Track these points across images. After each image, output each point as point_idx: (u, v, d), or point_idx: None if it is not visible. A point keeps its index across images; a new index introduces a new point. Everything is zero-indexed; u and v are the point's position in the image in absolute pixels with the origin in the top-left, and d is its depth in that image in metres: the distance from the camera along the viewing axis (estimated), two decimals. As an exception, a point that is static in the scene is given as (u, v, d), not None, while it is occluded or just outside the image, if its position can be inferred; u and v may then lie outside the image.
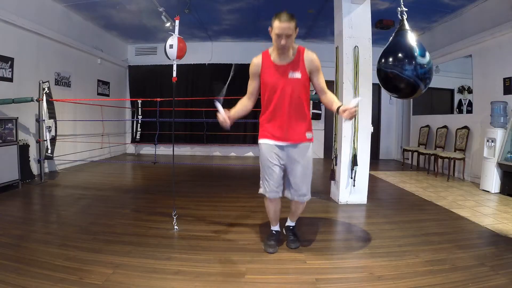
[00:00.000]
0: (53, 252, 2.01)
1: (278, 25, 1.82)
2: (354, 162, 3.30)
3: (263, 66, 1.99)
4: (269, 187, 2.04)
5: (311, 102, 7.08)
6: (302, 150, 2.01)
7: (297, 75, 1.94)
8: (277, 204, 2.14)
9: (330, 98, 2.03)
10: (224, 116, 1.86)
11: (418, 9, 4.88)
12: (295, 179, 2.03)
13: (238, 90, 6.01)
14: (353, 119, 3.25)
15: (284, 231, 2.34)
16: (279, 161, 2.01)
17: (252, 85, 2.07)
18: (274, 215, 2.19)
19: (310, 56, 1.98)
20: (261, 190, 2.09)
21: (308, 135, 2.03)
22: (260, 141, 2.06)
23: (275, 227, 2.25)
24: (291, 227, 2.30)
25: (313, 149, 2.08)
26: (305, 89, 1.99)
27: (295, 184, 2.04)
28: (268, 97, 1.99)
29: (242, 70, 4.60)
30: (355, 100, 1.81)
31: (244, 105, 2.08)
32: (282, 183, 2.07)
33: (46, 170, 4.72)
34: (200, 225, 2.60)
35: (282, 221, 2.36)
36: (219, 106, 1.85)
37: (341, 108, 1.87)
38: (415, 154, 6.01)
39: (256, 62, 2.02)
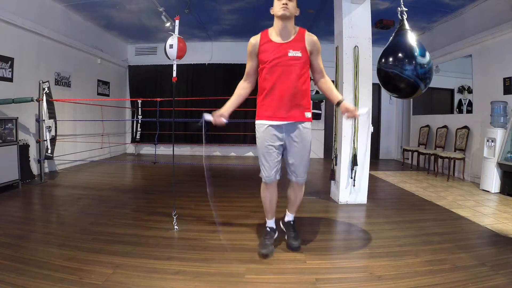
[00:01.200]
0: (53, 252, 2.01)
1: None
2: (354, 162, 3.30)
3: (261, 45, 1.94)
4: (266, 170, 2.00)
5: (311, 102, 7.08)
6: (300, 129, 1.97)
7: (298, 53, 1.89)
8: (273, 191, 2.09)
9: (329, 85, 2.02)
10: (215, 118, 1.88)
11: (418, 9, 4.88)
12: (293, 159, 2.01)
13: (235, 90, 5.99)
14: (354, 119, 3.27)
15: (283, 227, 2.27)
16: (276, 142, 1.97)
17: (249, 65, 2.02)
18: (270, 205, 2.13)
19: (311, 37, 1.95)
20: (260, 174, 2.06)
21: (307, 114, 1.98)
22: (257, 122, 2.01)
23: (270, 222, 2.18)
24: (291, 222, 2.23)
25: (311, 128, 2.02)
26: (305, 68, 1.94)
27: (293, 164, 2.02)
28: (265, 75, 1.93)
29: (241, 70, 4.59)
30: (364, 109, 1.85)
31: (240, 89, 2.05)
32: (279, 167, 2.02)
33: (46, 170, 4.72)
34: (200, 225, 2.60)
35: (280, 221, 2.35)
36: (207, 118, 1.90)
37: (344, 106, 1.87)
38: (415, 154, 6.01)
39: (253, 41, 1.97)
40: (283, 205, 2.35)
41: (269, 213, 2.17)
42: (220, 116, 1.93)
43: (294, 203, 2.20)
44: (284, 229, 2.28)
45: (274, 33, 1.94)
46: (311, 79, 2.04)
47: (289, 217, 2.26)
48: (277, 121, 1.94)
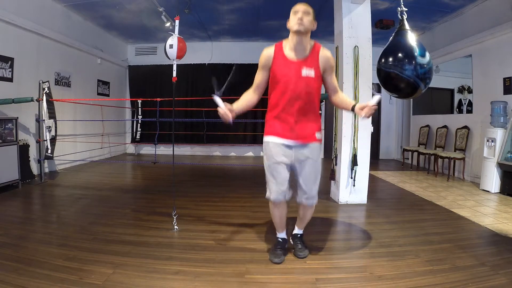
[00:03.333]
0: (53, 252, 2.01)
1: (297, 5, 1.79)
2: (354, 162, 3.29)
3: (275, 58, 1.86)
4: (273, 188, 1.91)
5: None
6: (311, 150, 1.90)
7: (311, 73, 1.83)
8: (282, 209, 2.01)
9: (342, 98, 1.97)
10: (225, 109, 1.70)
11: (418, 9, 4.88)
12: (303, 180, 1.93)
13: (238, 90, 6.01)
14: (354, 119, 3.28)
15: (291, 240, 2.22)
16: (285, 160, 1.88)
17: (259, 77, 1.93)
18: (280, 221, 2.06)
19: (325, 54, 1.89)
20: (267, 194, 1.96)
21: (318, 135, 1.94)
22: (266, 138, 1.93)
23: (281, 234, 2.11)
24: (298, 235, 2.18)
25: (321, 149, 2.00)
26: (317, 87, 1.89)
27: (303, 186, 1.94)
28: (278, 93, 1.86)
29: (241, 70, 4.60)
30: (376, 97, 1.75)
31: (248, 98, 1.95)
32: (288, 186, 1.94)
33: (46, 170, 4.73)
34: (200, 225, 2.60)
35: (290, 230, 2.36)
36: (218, 100, 1.70)
37: (357, 106, 1.81)
38: (415, 154, 6.02)
39: (267, 53, 1.88)
40: (292, 212, 2.33)
41: (279, 228, 2.11)
42: (230, 110, 1.73)
43: (303, 220, 2.15)
44: (291, 242, 2.22)
45: (288, 47, 1.87)
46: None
47: (297, 231, 2.21)
48: (287, 139, 1.88)
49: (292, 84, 1.82)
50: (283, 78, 1.83)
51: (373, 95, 1.86)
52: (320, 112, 1.98)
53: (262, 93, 1.99)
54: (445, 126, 5.42)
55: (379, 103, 1.85)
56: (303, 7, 1.79)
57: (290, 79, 1.82)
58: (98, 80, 6.44)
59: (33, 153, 4.34)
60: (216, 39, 7.23)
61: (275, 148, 1.89)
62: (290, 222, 2.25)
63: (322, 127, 7.02)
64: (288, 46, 1.87)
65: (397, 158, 7.32)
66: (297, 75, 1.82)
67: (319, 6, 5.02)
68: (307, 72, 1.83)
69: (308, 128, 1.89)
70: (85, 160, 5.66)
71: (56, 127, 4.44)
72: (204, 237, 2.33)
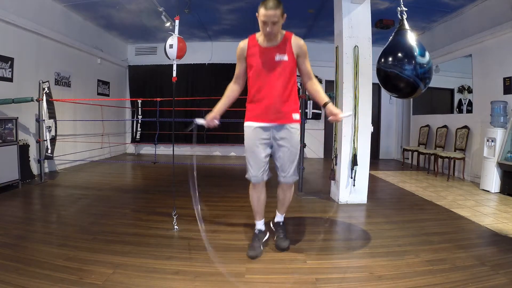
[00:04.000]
0: (53, 252, 2.01)
1: (264, 12, 1.82)
2: (354, 162, 3.29)
3: (249, 49, 1.99)
4: (252, 170, 2.03)
5: (312, 102, 7.08)
6: (288, 130, 2.00)
7: (284, 57, 1.94)
8: (261, 191, 2.10)
9: (316, 87, 2.03)
10: (208, 121, 1.95)
11: (418, 9, 4.88)
12: (281, 160, 2.04)
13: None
14: (354, 119, 3.28)
15: (273, 228, 2.27)
16: (263, 142, 2.00)
17: (238, 68, 2.07)
18: (258, 204, 2.13)
19: (297, 41, 1.98)
20: (247, 175, 2.09)
21: (295, 116, 2.02)
22: (245, 123, 2.06)
23: (259, 224, 2.17)
24: (280, 223, 2.24)
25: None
26: (291, 71, 1.98)
27: (281, 165, 2.05)
28: (253, 79, 1.98)
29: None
30: (347, 113, 1.92)
31: (230, 91, 2.10)
32: (266, 167, 2.05)
33: (46, 170, 4.72)
34: (200, 225, 2.60)
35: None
36: (199, 122, 1.97)
37: (329, 108, 1.91)
38: (415, 153, 6.02)
39: (242, 45, 2.02)
40: (274, 205, 2.35)
41: (257, 214, 2.17)
42: (213, 118, 1.99)
43: (283, 203, 2.22)
44: (273, 229, 2.27)
45: (261, 38, 1.98)
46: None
47: (278, 217, 2.28)
48: (265, 123, 1.98)
49: (266, 69, 1.94)
50: (257, 64, 1.97)
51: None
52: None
53: (243, 84, 2.11)
54: (445, 126, 5.42)
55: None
56: (271, 18, 1.80)
57: (264, 64, 1.94)
58: (98, 80, 6.44)
59: (33, 153, 4.34)
60: (216, 39, 7.23)
61: (253, 132, 2.01)
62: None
63: (322, 127, 6.99)
64: (261, 37, 1.98)
65: (397, 158, 7.32)
66: (271, 60, 1.94)
67: (319, 6, 5.02)
68: (280, 57, 1.94)
69: (285, 110, 1.98)
70: (85, 160, 5.66)
71: (56, 127, 4.44)
72: (204, 237, 2.32)
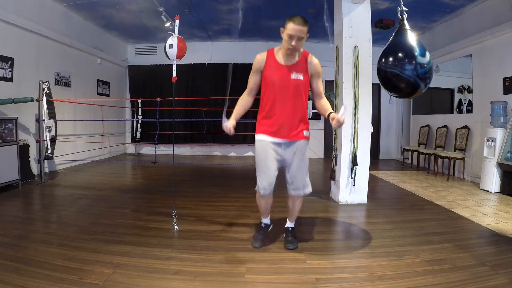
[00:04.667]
0: (53, 252, 2.01)
1: (293, 27, 1.86)
2: (354, 162, 3.29)
3: (267, 63, 2.02)
4: (261, 183, 2.07)
5: (312, 102, 7.08)
6: (298, 147, 2.05)
7: (300, 76, 1.99)
8: (268, 199, 2.18)
9: (324, 105, 2.08)
10: (229, 127, 1.96)
11: (418, 9, 4.88)
12: (292, 175, 2.09)
13: (237, 90, 6.01)
14: (354, 119, 3.28)
15: (283, 234, 2.31)
16: (274, 157, 2.04)
17: (252, 80, 2.09)
18: (265, 208, 2.24)
19: (314, 61, 2.04)
20: (256, 187, 2.13)
21: (306, 133, 2.09)
22: (257, 136, 2.09)
23: (265, 220, 2.30)
24: (290, 229, 2.28)
25: (309, 146, 2.17)
26: (305, 90, 2.04)
27: (292, 180, 2.10)
28: (268, 95, 2.02)
29: (241, 70, 4.61)
30: (341, 111, 1.86)
31: (244, 101, 2.12)
32: (274, 181, 2.09)
33: (46, 170, 4.72)
34: (200, 225, 2.60)
35: (282, 222, 2.36)
36: (225, 121, 1.96)
37: (331, 115, 1.95)
38: (415, 153, 6.02)
39: (260, 58, 2.04)
40: (285, 206, 2.36)
41: (263, 214, 2.29)
42: (233, 126, 2.00)
43: (293, 213, 2.27)
44: (283, 235, 2.31)
45: (280, 54, 2.02)
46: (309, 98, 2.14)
47: (288, 224, 2.32)
48: (277, 138, 2.02)
49: (282, 87, 1.98)
50: (274, 80, 2.00)
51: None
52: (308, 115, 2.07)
53: (255, 95, 2.14)
54: (445, 126, 5.42)
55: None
56: (298, 33, 1.86)
57: (281, 81, 1.98)
58: (98, 80, 6.44)
59: (33, 153, 4.34)
60: (216, 39, 7.23)
61: (265, 146, 2.04)
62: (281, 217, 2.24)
63: (322, 127, 7.01)
64: (279, 53, 2.02)
65: (397, 158, 7.32)
66: (287, 78, 1.98)
67: (319, 6, 5.02)
68: (296, 76, 1.98)
69: (297, 127, 2.04)
70: (85, 160, 5.66)
71: (56, 127, 4.44)
72: (204, 237, 2.33)
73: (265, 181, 2.06)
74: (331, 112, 1.99)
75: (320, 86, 2.10)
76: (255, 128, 2.13)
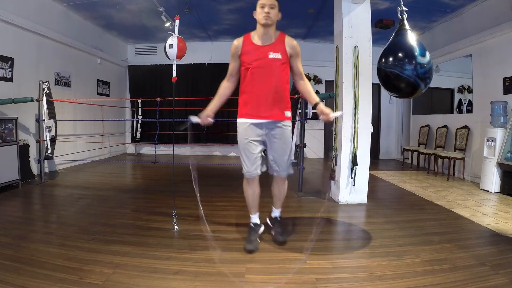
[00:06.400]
0: (53, 252, 2.01)
1: None
2: (354, 162, 3.29)
3: (244, 46, 2.03)
4: (246, 166, 2.08)
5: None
6: (280, 127, 2.06)
7: (278, 55, 1.99)
8: (255, 186, 2.17)
9: (307, 88, 2.10)
10: (202, 119, 1.98)
11: (418, 9, 4.88)
12: (274, 154, 2.10)
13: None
14: (354, 119, 3.28)
15: (269, 223, 2.32)
16: (257, 138, 2.05)
17: (231, 66, 2.11)
18: (252, 199, 2.20)
19: (291, 41, 2.04)
20: (243, 170, 2.14)
21: (287, 113, 2.07)
22: (238, 120, 2.10)
23: (254, 218, 2.26)
24: (278, 218, 2.29)
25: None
26: (284, 69, 2.03)
27: (275, 160, 2.11)
28: (247, 76, 2.02)
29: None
30: (338, 113, 1.95)
31: (223, 89, 2.13)
32: (260, 162, 2.10)
33: (46, 170, 4.72)
34: (200, 225, 2.59)
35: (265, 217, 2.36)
36: (193, 120, 2.00)
37: (320, 108, 1.96)
38: (415, 153, 6.01)
39: (236, 43, 2.05)
40: (269, 204, 2.36)
41: (252, 208, 2.25)
42: (207, 116, 2.04)
43: (279, 198, 2.27)
44: (270, 225, 2.33)
45: (256, 37, 2.04)
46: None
47: (275, 212, 2.32)
48: (257, 119, 2.03)
49: (260, 67, 1.98)
50: (251, 62, 2.00)
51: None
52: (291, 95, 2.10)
53: (236, 81, 2.15)
54: (445, 126, 5.42)
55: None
56: (269, 1, 1.94)
57: (258, 62, 1.98)
58: (98, 80, 6.43)
59: (33, 153, 4.34)
60: (216, 39, 7.23)
61: (246, 129, 2.05)
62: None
63: (322, 127, 7.00)
64: (255, 36, 2.04)
65: (397, 158, 7.32)
66: (265, 57, 1.98)
67: (319, 6, 5.02)
68: (274, 55, 1.98)
69: (278, 107, 2.03)
70: (85, 160, 5.66)
71: (56, 127, 4.44)
72: (204, 237, 2.33)
73: (248, 162, 2.07)
74: (319, 103, 2.00)
75: (300, 66, 2.09)
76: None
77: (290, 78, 2.11)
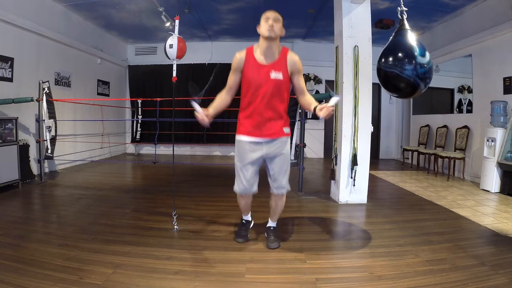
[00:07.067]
0: (53, 252, 2.01)
1: (268, 12, 1.94)
2: (354, 161, 3.29)
3: (246, 62, 2.00)
4: (241, 184, 2.08)
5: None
6: (279, 144, 2.04)
7: (279, 76, 1.97)
8: (248, 199, 2.22)
9: (308, 100, 2.06)
10: (202, 114, 1.90)
11: (418, 9, 4.88)
12: (273, 172, 2.09)
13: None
14: (354, 119, 3.28)
15: (265, 233, 2.31)
16: (255, 156, 2.03)
17: (232, 79, 2.07)
18: (245, 206, 2.27)
19: (293, 57, 2.01)
20: (234, 187, 2.14)
21: (286, 130, 2.07)
22: (237, 137, 2.08)
23: (246, 217, 2.35)
24: (271, 228, 2.28)
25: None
26: (286, 89, 2.02)
27: (273, 177, 2.10)
28: (248, 94, 2.00)
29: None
30: (334, 98, 1.81)
31: (222, 99, 2.09)
32: (255, 181, 2.10)
33: (46, 170, 4.73)
34: (200, 225, 2.60)
35: (280, 221, 2.36)
36: (196, 105, 1.87)
37: (318, 107, 1.89)
38: (415, 153, 6.01)
39: (239, 57, 2.02)
40: (263, 205, 2.36)
41: (244, 211, 2.33)
42: (207, 116, 1.94)
43: (275, 212, 2.26)
44: (265, 235, 2.31)
45: (258, 52, 2.00)
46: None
47: (270, 223, 2.32)
48: (257, 137, 2.02)
49: (262, 86, 1.96)
50: (253, 80, 1.97)
51: (330, 96, 1.98)
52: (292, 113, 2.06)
53: (234, 94, 2.12)
54: (445, 126, 5.42)
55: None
56: (273, 14, 1.93)
57: (260, 81, 1.96)
58: (98, 80, 6.44)
59: (33, 153, 4.34)
60: (216, 39, 7.23)
61: (245, 146, 2.04)
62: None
63: (322, 127, 7.01)
64: (258, 51, 2.00)
65: (397, 158, 7.32)
66: (267, 77, 1.96)
67: (319, 6, 5.02)
68: (276, 75, 1.96)
69: (277, 125, 2.03)
70: (85, 160, 5.66)
71: (56, 127, 4.44)
72: (204, 237, 2.33)
73: (244, 181, 2.07)
74: (317, 105, 1.94)
75: (301, 83, 2.06)
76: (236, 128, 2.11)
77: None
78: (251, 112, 2.00)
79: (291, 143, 3.53)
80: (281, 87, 1.98)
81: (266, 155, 2.04)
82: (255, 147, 2.02)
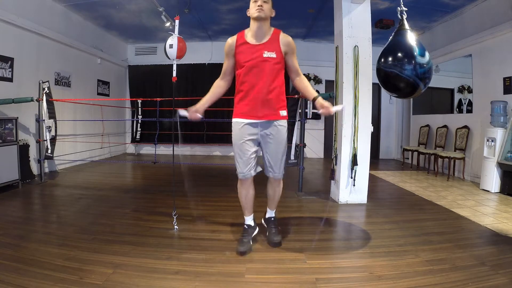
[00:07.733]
0: (53, 252, 2.01)
1: None
2: (354, 161, 3.29)
3: (237, 45, 2.00)
4: (240, 167, 2.06)
5: (310, 102, 7.09)
6: (275, 126, 2.02)
7: (273, 54, 1.95)
8: (249, 187, 2.14)
9: (304, 83, 2.06)
10: (190, 113, 1.95)
11: (418, 9, 4.88)
12: (269, 156, 2.07)
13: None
14: (354, 119, 3.28)
15: (264, 224, 2.30)
16: (251, 138, 2.02)
17: (225, 65, 2.09)
18: (246, 200, 2.17)
19: (286, 38, 2.00)
20: (236, 171, 2.11)
21: (282, 112, 2.04)
22: (233, 119, 2.07)
23: (248, 219, 2.21)
24: (272, 219, 2.28)
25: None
26: (279, 68, 2.00)
27: (270, 161, 2.08)
28: (241, 75, 1.99)
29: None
30: (339, 106, 1.88)
31: (216, 86, 2.11)
32: (253, 164, 2.07)
33: (46, 170, 4.73)
34: (200, 225, 2.60)
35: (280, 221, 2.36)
36: (182, 114, 1.99)
37: (319, 102, 1.90)
38: (415, 153, 6.01)
39: (230, 42, 2.03)
40: (264, 205, 2.38)
41: (245, 209, 2.21)
42: (195, 111, 2.00)
43: (273, 199, 2.25)
44: (265, 225, 2.31)
45: (249, 35, 2.00)
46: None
47: (269, 213, 2.31)
48: (252, 119, 2.00)
49: (255, 66, 1.95)
50: (246, 61, 1.97)
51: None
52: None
53: (230, 80, 2.13)
54: (445, 126, 5.42)
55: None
56: None
57: (252, 61, 1.95)
58: (98, 80, 6.44)
59: (33, 153, 4.34)
60: (216, 39, 7.23)
61: (241, 130, 2.03)
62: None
63: (322, 127, 6.99)
64: (249, 34, 2.01)
65: (397, 158, 7.32)
66: (259, 57, 1.94)
67: (319, 6, 5.02)
68: (269, 54, 1.95)
69: (273, 107, 2.00)
70: (85, 160, 5.66)
71: (56, 127, 4.44)
72: (204, 237, 2.33)
73: (242, 163, 2.04)
74: (318, 97, 1.94)
75: (295, 63, 2.05)
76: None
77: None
78: (245, 93, 1.99)
79: (292, 131, 3.54)
80: (275, 66, 1.96)
81: (261, 137, 2.03)
82: (250, 129, 2.01)
